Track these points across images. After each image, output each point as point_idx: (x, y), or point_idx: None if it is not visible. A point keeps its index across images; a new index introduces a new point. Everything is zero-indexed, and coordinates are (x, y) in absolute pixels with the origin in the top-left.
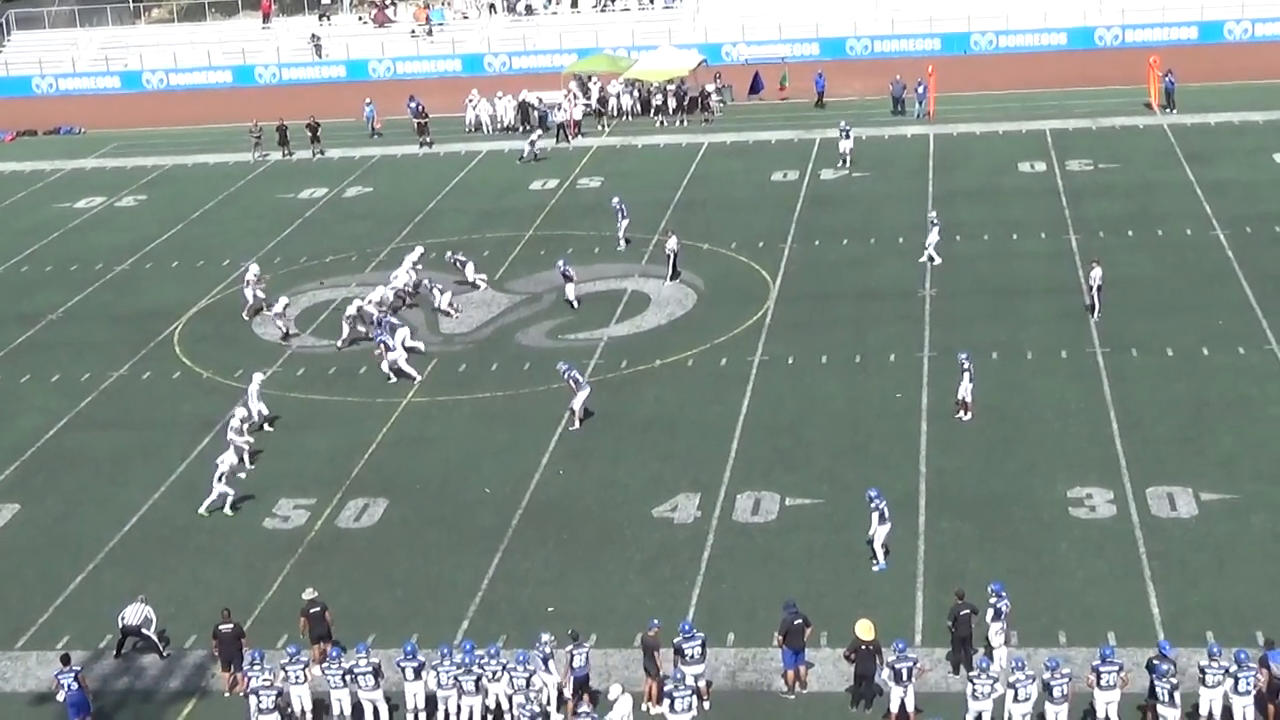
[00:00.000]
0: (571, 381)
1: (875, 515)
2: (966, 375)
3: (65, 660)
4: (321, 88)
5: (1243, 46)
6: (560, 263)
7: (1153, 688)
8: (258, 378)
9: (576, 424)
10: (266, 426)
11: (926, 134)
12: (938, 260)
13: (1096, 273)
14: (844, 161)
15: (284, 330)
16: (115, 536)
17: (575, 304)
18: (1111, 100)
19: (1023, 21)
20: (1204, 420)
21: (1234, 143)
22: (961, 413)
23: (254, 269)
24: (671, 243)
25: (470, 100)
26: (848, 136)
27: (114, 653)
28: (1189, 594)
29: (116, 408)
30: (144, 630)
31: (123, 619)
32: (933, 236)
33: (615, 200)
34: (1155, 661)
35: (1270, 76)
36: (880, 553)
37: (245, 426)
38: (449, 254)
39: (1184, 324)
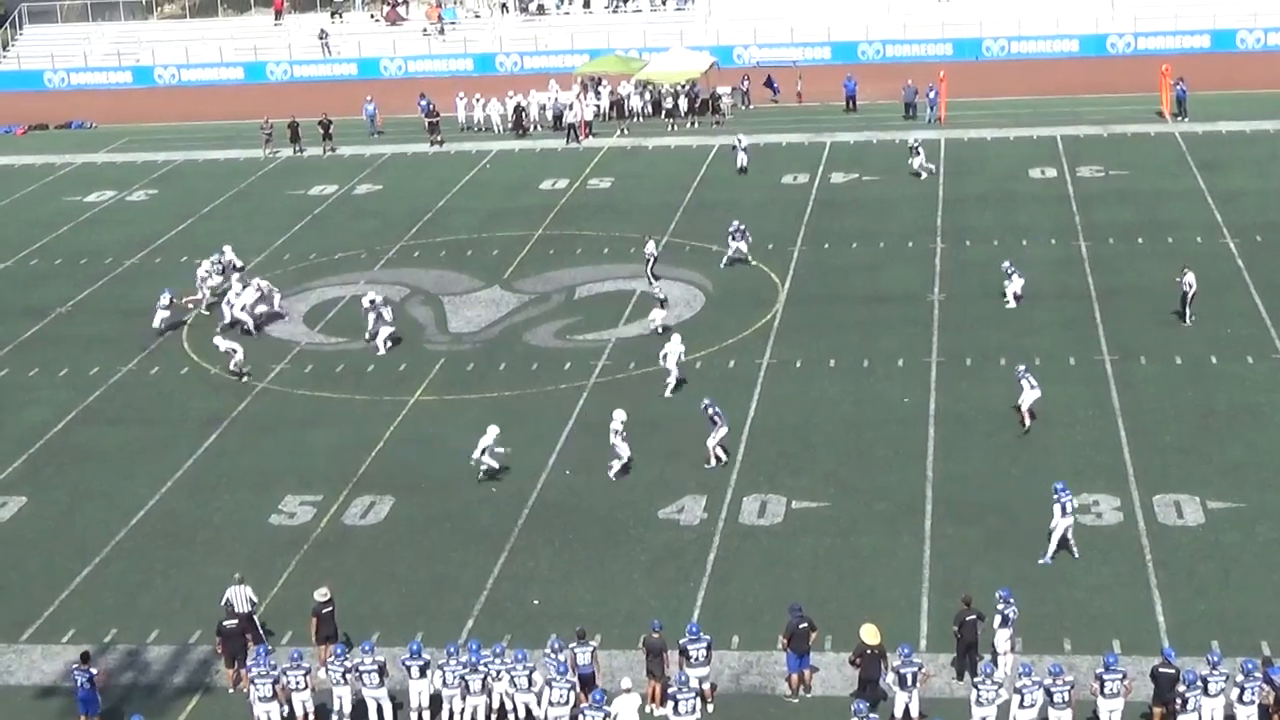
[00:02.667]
0: (714, 418)
1: (1058, 508)
2: (1026, 384)
3: (85, 658)
4: (333, 85)
5: (1255, 55)
6: (657, 291)
7: (1159, 694)
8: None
9: (713, 462)
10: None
11: (937, 139)
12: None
13: (1189, 277)
14: (923, 172)
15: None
16: (121, 531)
17: (661, 330)
18: (1123, 107)
19: (1035, 28)
20: (1211, 429)
21: (1245, 151)
22: (1027, 420)
23: (167, 295)
24: (649, 247)
25: (460, 98)
26: (919, 153)
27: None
28: (1195, 602)
29: (124, 402)
30: (254, 616)
31: (230, 606)
32: (1015, 283)
33: (735, 224)
34: (1183, 671)
35: None
36: (1052, 547)
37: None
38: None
39: (1193, 332)
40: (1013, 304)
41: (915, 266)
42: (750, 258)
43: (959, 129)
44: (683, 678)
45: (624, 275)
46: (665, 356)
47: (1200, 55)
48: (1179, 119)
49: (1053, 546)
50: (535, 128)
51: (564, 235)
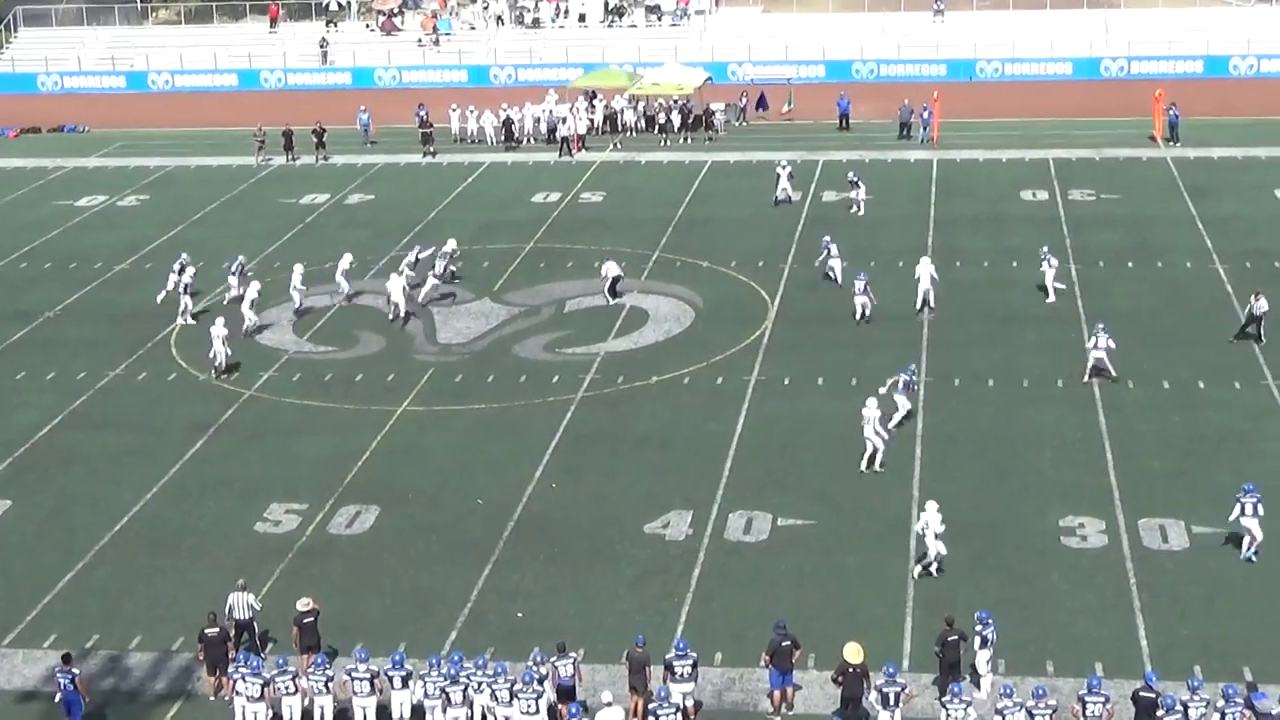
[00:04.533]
0: (901, 386)
1: (1238, 508)
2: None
3: (66, 660)
4: (327, 94)
5: (1247, 82)
6: (859, 278)
7: (1140, 718)
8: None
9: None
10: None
11: (930, 159)
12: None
13: (1262, 304)
14: (857, 206)
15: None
16: (106, 536)
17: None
18: (1115, 131)
19: (1029, 50)
20: (1198, 453)
21: (1237, 178)
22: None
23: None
24: (608, 267)
25: (453, 109)
26: (858, 186)
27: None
28: (1178, 627)
29: (111, 407)
30: (254, 623)
31: (230, 611)
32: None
33: (825, 240)
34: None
35: (1274, 113)
36: (1246, 543)
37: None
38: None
39: (1181, 357)
40: (1052, 297)
41: (905, 286)
42: (836, 275)
43: (951, 150)
44: (664, 693)
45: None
46: (920, 280)
47: (1193, 80)
48: (1171, 144)
49: (1249, 542)
50: (529, 140)
51: (555, 249)
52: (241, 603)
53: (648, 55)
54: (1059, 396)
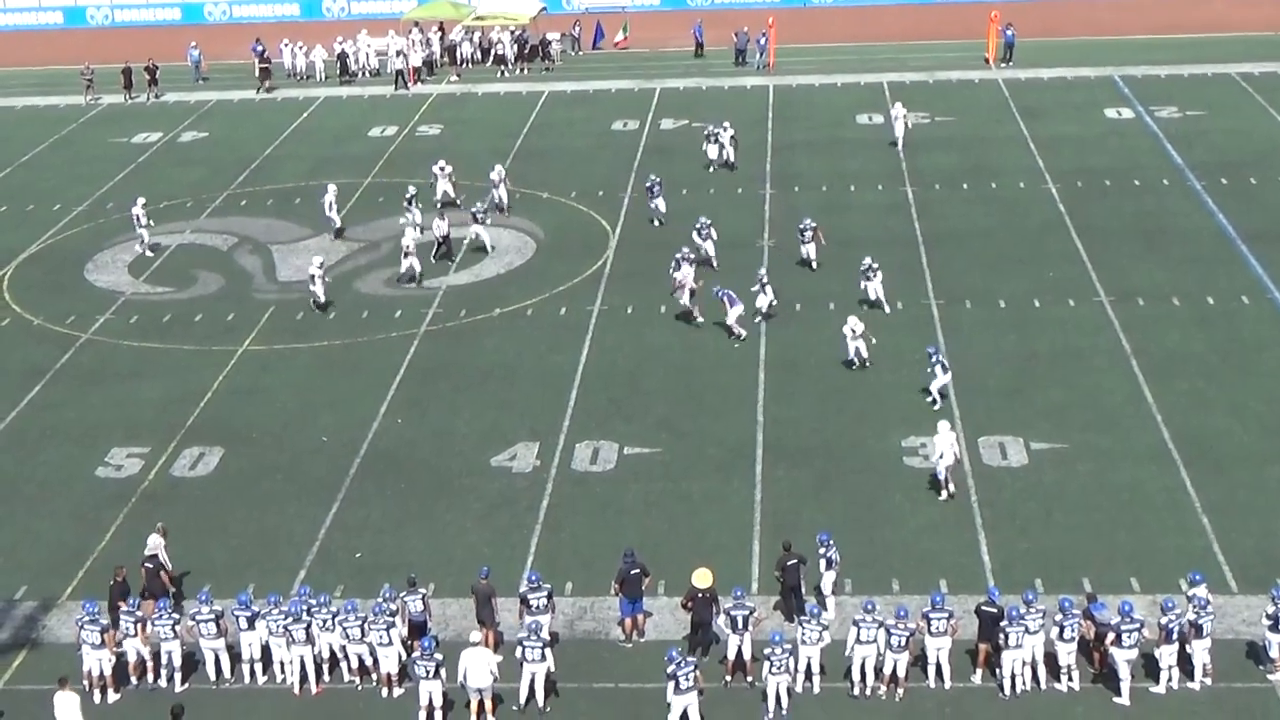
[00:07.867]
0: (725, 300)
1: (939, 368)
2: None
3: None
4: (155, 30)
5: (1076, 2)
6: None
7: (983, 632)
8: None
9: (741, 334)
10: None
11: (766, 85)
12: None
13: None
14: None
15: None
16: None
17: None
18: (948, 54)
19: None
20: (1034, 371)
21: (1066, 98)
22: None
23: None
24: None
25: (285, 45)
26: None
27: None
28: (1018, 541)
29: None
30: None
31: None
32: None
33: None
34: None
35: (1102, 33)
36: (938, 396)
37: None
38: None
39: (1016, 276)
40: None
41: (745, 212)
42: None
43: (788, 75)
44: (535, 625)
45: (455, 223)
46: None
47: (1022, 4)
48: (1005, 64)
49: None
50: (364, 74)
51: (394, 183)
52: (154, 544)
53: None
54: (898, 318)
